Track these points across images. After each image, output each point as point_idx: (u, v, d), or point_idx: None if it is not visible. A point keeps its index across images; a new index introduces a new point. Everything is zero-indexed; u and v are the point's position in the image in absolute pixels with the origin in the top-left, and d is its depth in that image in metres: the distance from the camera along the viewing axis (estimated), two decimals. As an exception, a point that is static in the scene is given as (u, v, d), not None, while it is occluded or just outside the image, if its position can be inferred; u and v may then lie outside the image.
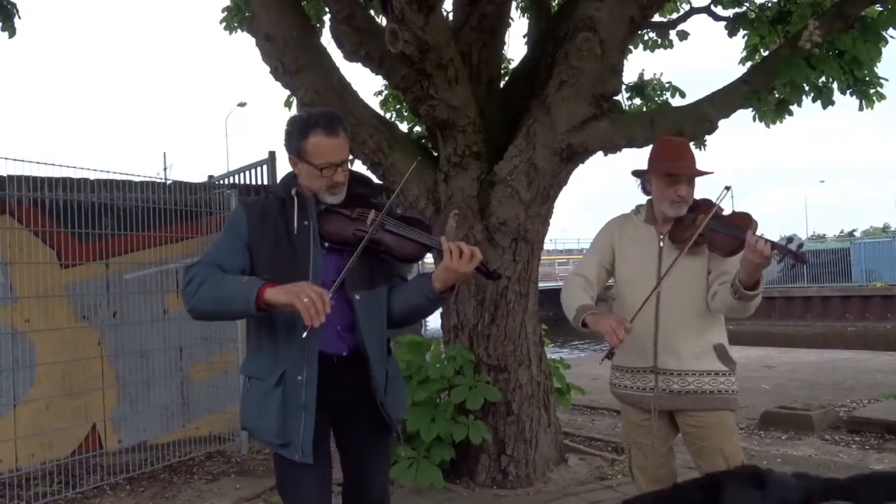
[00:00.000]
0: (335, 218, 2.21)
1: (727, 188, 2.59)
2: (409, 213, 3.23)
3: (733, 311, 2.50)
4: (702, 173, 2.62)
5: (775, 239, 2.32)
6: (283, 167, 2.54)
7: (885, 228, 52.53)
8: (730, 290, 2.42)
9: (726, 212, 2.63)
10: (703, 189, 2.71)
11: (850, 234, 52.64)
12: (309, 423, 2.14)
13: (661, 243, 2.65)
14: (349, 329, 2.23)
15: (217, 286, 2.10)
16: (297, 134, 2.20)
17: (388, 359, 2.36)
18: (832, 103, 4.77)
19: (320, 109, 2.32)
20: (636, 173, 2.78)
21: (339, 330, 2.22)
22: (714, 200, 2.58)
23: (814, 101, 4.73)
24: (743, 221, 2.47)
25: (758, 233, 2.36)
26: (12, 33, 4.80)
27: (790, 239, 2.30)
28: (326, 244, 2.21)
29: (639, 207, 2.81)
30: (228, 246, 2.21)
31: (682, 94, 6.11)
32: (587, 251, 2.90)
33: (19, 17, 4.81)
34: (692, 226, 2.54)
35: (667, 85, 6.33)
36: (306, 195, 2.24)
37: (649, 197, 2.76)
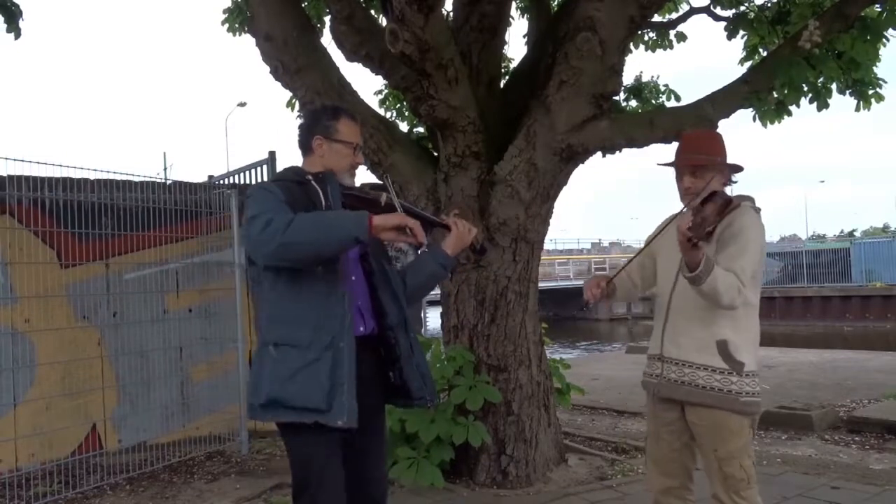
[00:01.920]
0: (355, 197, 2.37)
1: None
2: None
3: (704, 297, 2.44)
4: (693, 163, 2.59)
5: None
6: (283, 167, 2.62)
7: (885, 228, 52.61)
8: None
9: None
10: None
11: (850, 234, 52.71)
12: (352, 391, 2.15)
13: None
14: (369, 307, 2.34)
15: (315, 217, 2.14)
16: (327, 116, 2.42)
17: (409, 332, 2.44)
18: (826, 106, 4.79)
19: None
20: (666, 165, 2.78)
21: (361, 306, 2.31)
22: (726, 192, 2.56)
23: (810, 102, 4.73)
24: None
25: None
26: (17, 35, 4.78)
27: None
28: None
29: None
30: (280, 206, 2.19)
31: (678, 98, 6.12)
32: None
33: (23, 19, 4.80)
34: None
35: (663, 88, 6.34)
36: (326, 176, 2.36)
37: None
